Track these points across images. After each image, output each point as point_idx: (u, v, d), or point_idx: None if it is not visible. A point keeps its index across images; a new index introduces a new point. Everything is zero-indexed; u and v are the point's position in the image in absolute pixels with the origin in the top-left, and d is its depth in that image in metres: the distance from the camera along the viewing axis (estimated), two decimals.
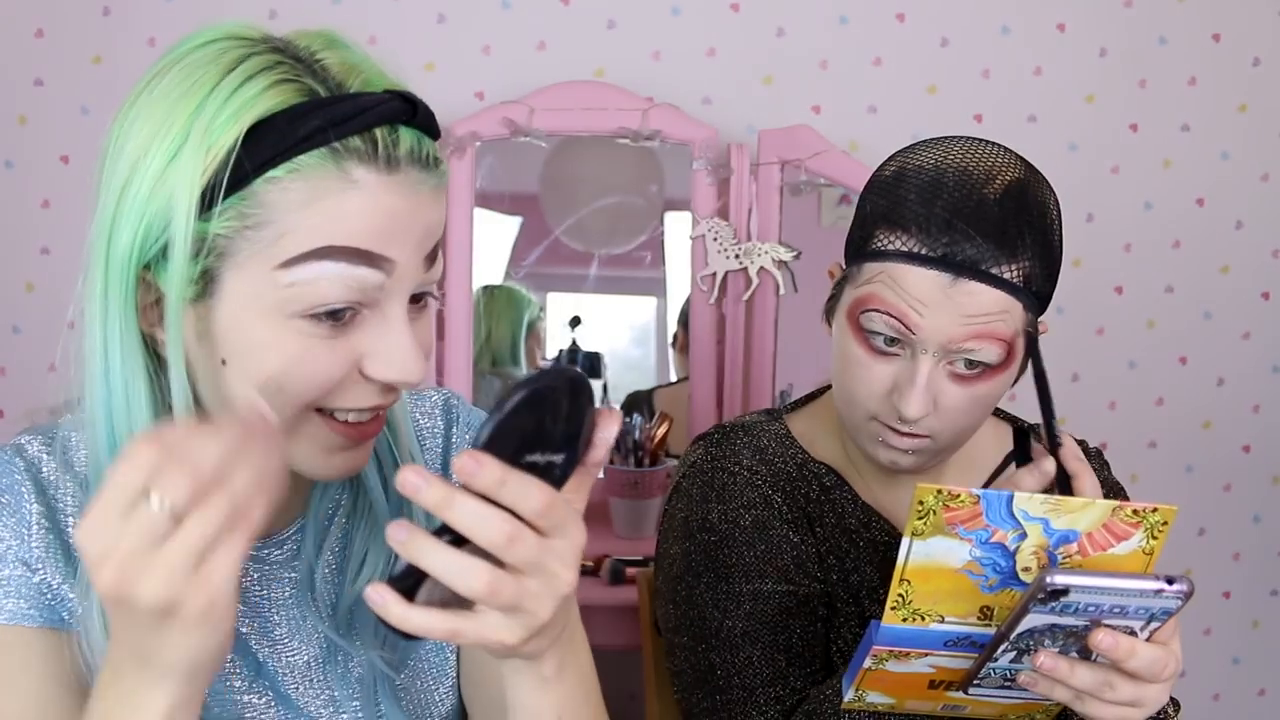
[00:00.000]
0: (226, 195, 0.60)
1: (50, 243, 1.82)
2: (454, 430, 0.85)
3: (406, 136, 0.63)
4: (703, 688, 0.95)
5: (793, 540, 0.97)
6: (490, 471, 0.52)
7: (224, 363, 0.63)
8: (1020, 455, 1.06)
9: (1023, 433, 1.08)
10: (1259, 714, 2.05)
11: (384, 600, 0.53)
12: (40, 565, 0.69)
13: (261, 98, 0.60)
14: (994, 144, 0.91)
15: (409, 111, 0.64)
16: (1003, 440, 1.08)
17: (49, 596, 0.69)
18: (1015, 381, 0.93)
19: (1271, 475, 1.99)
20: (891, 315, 0.87)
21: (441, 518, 0.53)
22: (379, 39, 1.77)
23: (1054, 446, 0.84)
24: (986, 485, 1.04)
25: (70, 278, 0.67)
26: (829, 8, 1.84)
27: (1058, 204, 0.90)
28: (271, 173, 0.60)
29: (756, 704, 0.92)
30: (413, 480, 0.52)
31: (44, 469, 0.72)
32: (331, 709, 0.77)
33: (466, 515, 0.52)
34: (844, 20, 1.85)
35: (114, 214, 0.62)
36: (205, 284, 0.62)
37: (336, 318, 0.63)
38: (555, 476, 0.56)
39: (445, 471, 0.83)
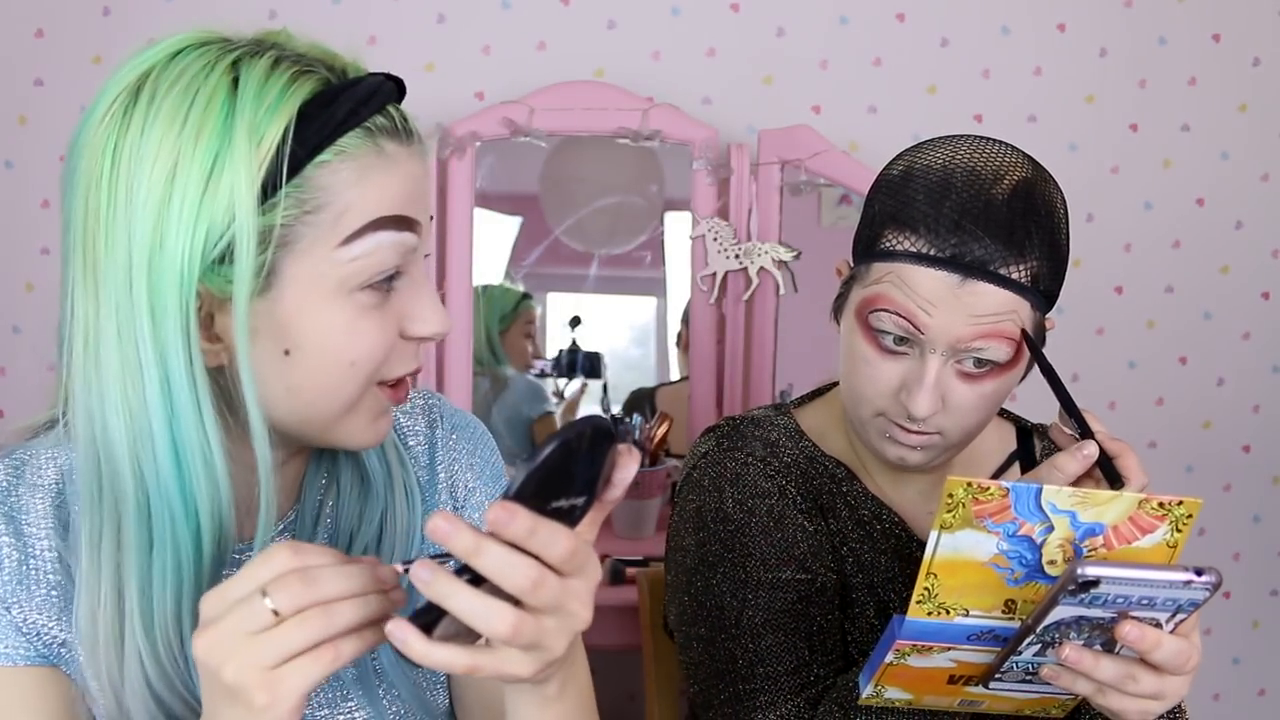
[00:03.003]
0: (278, 186, 0.62)
1: (50, 243, 1.82)
2: (438, 430, 0.86)
3: (402, 111, 0.69)
4: (723, 679, 0.94)
5: (808, 529, 0.97)
6: (522, 522, 0.54)
7: (287, 353, 0.65)
8: (1024, 454, 1.06)
9: (1025, 432, 1.08)
10: (1259, 714, 2.05)
11: (405, 637, 0.55)
12: (15, 600, 0.70)
13: (294, 90, 0.63)
14: (1002, 143, 0.91)
15: (401, 89, 0.69)
16: (1006, 440, 1.08)
17: (28, 634, 0.70)
18: (1023, 379, 0.93)
19: (1271, 475, 1.99)
20: (900, 315, 0.87)
21: (471, 564, 0.54)
22: (379, 39, 1.77)
23: (1087, 431, 0.84)
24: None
25: None
26: (829, 8, 1.84)
27: (1065, 202, 0.90)
28: (321, 157, 0.63)
29: (782, 692, 0.92)
30: (443, 527, 0.54)
31: (10, 496, 0.71)
32: (329, 710, 0.78)
33: (495, 562, 0.54)
34: (844, 20, 1.85)
35: (156, 232, 0.61)
36: (266, 278, 0.64)
37: (390, 283, 0.67)
38: (575, 516, 0.58)
39: (433, 470, 0.85)
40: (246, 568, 0.57)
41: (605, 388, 1.99)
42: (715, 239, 1.73)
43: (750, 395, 1.79)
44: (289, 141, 0.62)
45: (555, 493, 0.56)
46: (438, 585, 0.55)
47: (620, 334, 2.01)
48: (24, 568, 0.70)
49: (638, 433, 1.75)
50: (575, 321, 1.97)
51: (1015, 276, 0.86)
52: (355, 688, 0.78)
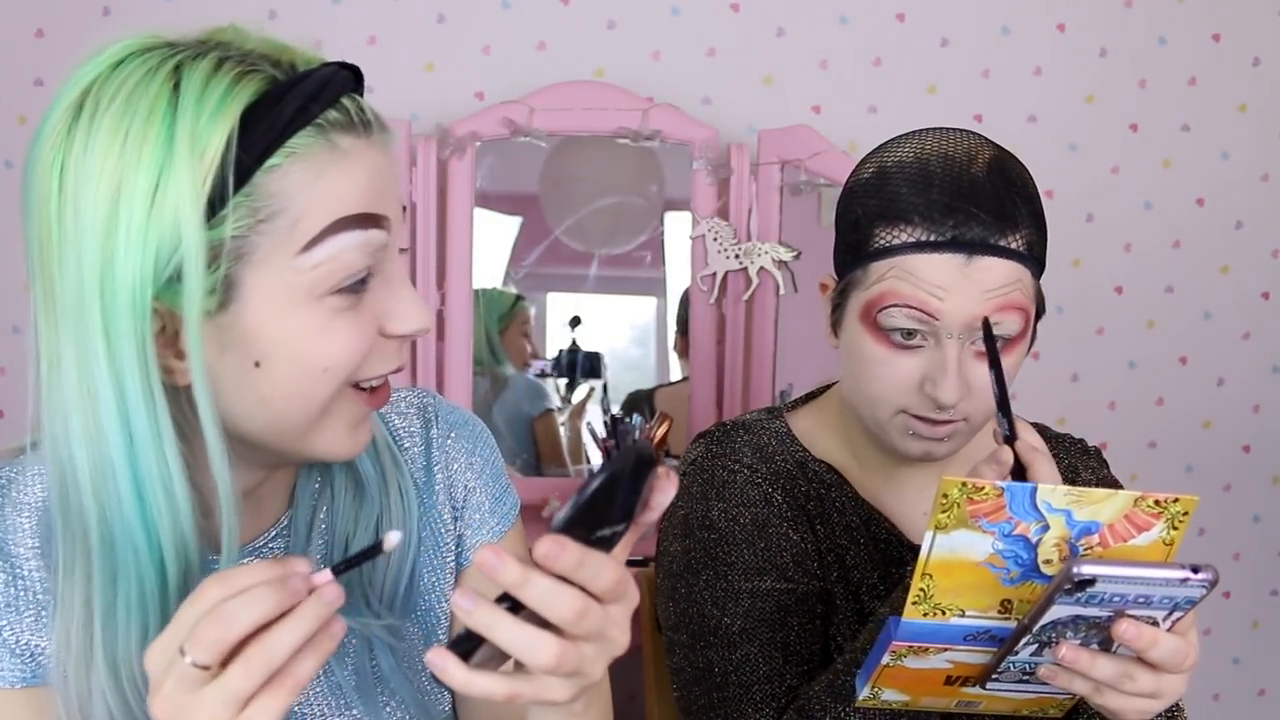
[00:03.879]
0: (227, 197, 0.59)
1: None
2: (433, 430, 0.85)
3: (358, 101, 0.65)
4: (700, 685, 0.95)
5: (792, 538, 0.97)
6: (571, 555, 0.54)
7: (258, 365, 0.63)
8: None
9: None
10: (1259, 714, 2.05)
11: (445, 666, 0.55)
12: (5, 622, 0.69)
13: (236, 93, 0.60)
14: (958, 129, 0.93)
15: (354, 78, 0.65)
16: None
17: (21, 655, 0.69)
18: (1028, 351, 0.94)
19: (1271, 475, 1.99)
20: (911, 306, 0.87)
21: (518, 597, 0.55)
22: (379, 39, 1.77)
23: (1009, 438, 0.85)
24: None
25: None
26: (829, 8, 1.84)
27: (1031, 176, 0.93)
28: (270, 162, 0.60)
29: (753, 701, 0.92)
30: (491, 561, 0.54)
31: None
32: (334, 708, 0.78)
33: (541, 594, 0.55)
34: (844, 20, 1.85)
35: (104, 253, 0.59)
36: (225, 292, 0.61)
37: (362, 285, 0.64)
38: (614, 542, 0.59)
39: (429, 472, 0.84)
40: (176, 615, 0.56)
41: (605, 388, 1.99)
42: (715, 239, 1.73)
43: (750, 395, 1.79)
44: (233, 149, 0.59)
45: (600, 522, 0.56)
46: (480, 615, 0.55)
47: (620, 334, 2.01)
48: (12, 589, 0.69)
49: (638, 433, 1.75)
50: (575, 321, 1.97)
51: (1014, 246, 0.87)
52: (356, 696, 0.78)
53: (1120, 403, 1.95)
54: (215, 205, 0.59)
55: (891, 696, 0.82)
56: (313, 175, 0.61)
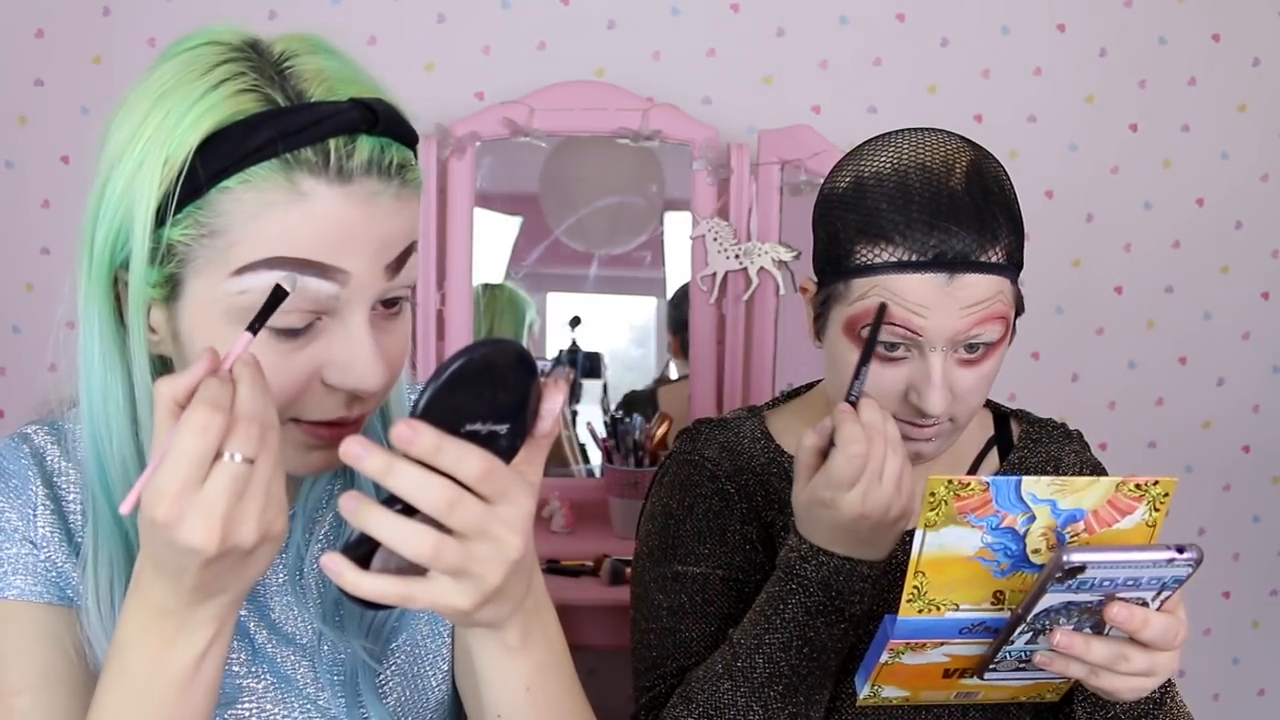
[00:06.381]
0: (184, 203, 0.61)
1: (50, 243, 1.82)
2: None
3: (365, 146, 0.63)
4: (634, 654, 1.02)
5: (740, 531, 1.01)
6: (426, 438, 0.53)
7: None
8: (1001, 440, 1.08)
9: (1003, 417, 1.10)
10: (1259, 714, 2.05)
11: (337, 568, 0.55)
12: (45, 544, 0.72)
13: (219, 108, 0.61)
14: (935, 131, 0.93)
15: (369, 120, 0.63)
16: (985, 426, 1.10)
17: (53, 574, 0.72)
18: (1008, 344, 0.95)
19: (1271, 475, 1.99)
20: (895, 324, 0.88)
21: (384, 485, 0.54)
22: (379, 39, 1.77)
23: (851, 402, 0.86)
24: (971, 472, 1.06)
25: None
26: (829, 8, 1.84)
27: (1006, 172, 0.93)
28: (225, 183, 0.61)
29: (654, 674, 0.98)
30: (354, 450, 0.53)
31: (48, 457, 0.74)
32: (329, 692, 0.79)
33: (406, 481, 0.54)
34: (844, 20, 1.85)
35: (95, 215, 0.64)
36: (171, 288, 0.64)
37: (293, 329, 0.64)
38: (501, 447, 0.58)
39: None
40: (177, 451, 0.54)
41: (605, 388, 1.99)
42: (715, 239, 1.73)
43: (750, 395, 1.79)
44: (191, 160, 0.60)
45: (468, 414, 0.55)
46: (362, 512, 0.54)
47: (620, 334, 2.01)
48: (55, 517, 0.73)
49: (638, 433, 1.75)
50: (575, 321, 1.97)
51: (995, 259, 0.87)
52: (342, 674, 0.79)
53: (1120, 403, 1.95)
54: (168, 207, 0.62)
55: (891, 693, 0.83)
56: (261, 207, 0.61)
